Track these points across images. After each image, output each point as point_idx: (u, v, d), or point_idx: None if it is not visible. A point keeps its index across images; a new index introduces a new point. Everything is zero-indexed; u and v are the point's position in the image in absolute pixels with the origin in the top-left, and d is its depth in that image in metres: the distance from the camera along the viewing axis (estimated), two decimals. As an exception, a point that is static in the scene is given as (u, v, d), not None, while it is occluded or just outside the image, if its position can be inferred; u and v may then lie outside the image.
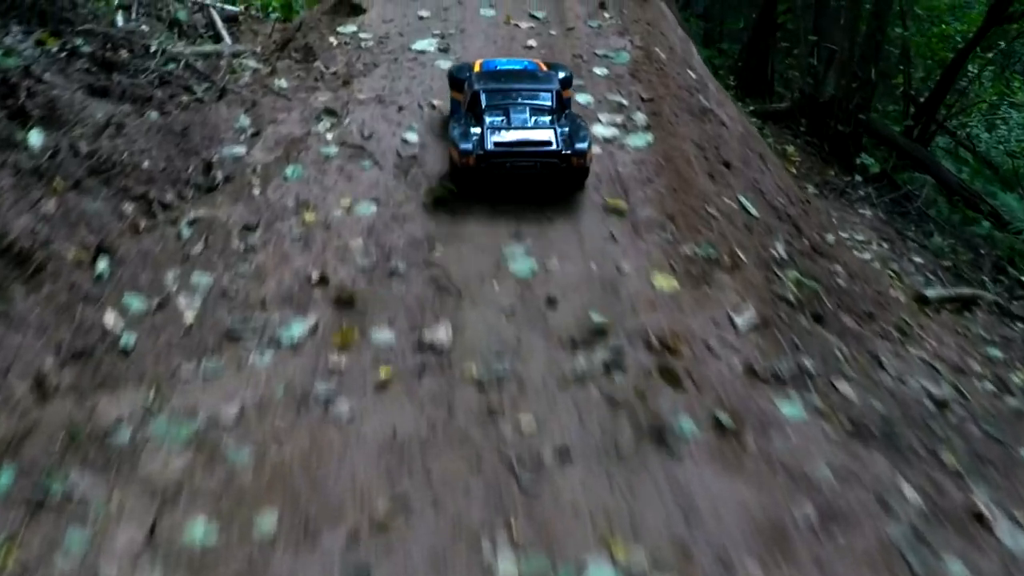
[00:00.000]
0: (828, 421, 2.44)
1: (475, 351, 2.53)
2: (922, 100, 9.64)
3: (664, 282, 2.87)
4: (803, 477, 2.20)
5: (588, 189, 3.34)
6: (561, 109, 3.37)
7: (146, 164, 3.24)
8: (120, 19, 4.55)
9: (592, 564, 1.92)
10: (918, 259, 6.65)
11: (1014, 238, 7.83)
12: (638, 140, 3.66)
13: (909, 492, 2.23)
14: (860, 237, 6.34)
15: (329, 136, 3.63)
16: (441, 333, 2.58)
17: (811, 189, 7.23)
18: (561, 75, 3.60)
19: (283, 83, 4.13)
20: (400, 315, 2.68)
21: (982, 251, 7.53)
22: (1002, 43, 10.00)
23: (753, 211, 3.59)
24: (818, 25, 9.82)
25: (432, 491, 2.09)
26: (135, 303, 2.66)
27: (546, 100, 3.34)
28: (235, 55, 4.72)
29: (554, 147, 3.16)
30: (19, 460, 2.10)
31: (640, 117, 3.84)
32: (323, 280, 2.81)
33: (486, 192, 3.25)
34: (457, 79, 3.62)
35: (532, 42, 4.55)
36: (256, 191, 3.27)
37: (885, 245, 6.53)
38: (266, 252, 2.95)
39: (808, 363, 2.69)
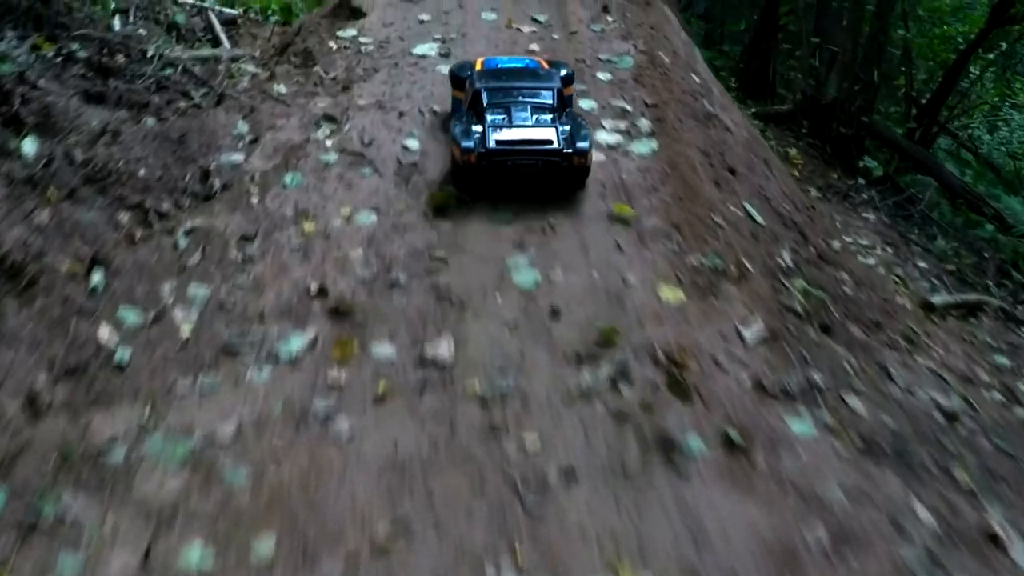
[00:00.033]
0: (839, 438, 2.39)
1: (478, 366, 2.47)
2: (924, 102, 9.59)
3: (670, 294, 2.82)
4: (814, 497, 2.15)
5: (592, 197, 3.29)
6: (562, 107, 3.36)
7: (142, 172, 3.19)
8: (117, 23, 4.49)
9: (599, 590, 1.87)
10: (922, 263, 6.60)
11: (1018, 241, 7.78)
12: (642, 147, 3.61)
13: (923, 513, 2.18)
14: (864, 242, 6.29)
15: (328, 143, 3.57)
16: (443, 347, 2.53)
17: (814, 192, 7.17)
18: (562, 72, 3.59)
19: (282, 88, 4.08)
20: (401, 328, 2.62)
21: (986, 255, 7.48)
22: (1003, 44, 9.94)
23: (759, 219, 3.54)
24: (820, 26, 9.77)
25: (434, 513, 2.03)
26: (130, 316, 2.61)
27: (547, 98, 3.34)
28: (233, 59, 4.66)
29: (555, 146, 3.15)
30: (11, 481, 2.05)
31: (644, 123, 3.79)
32: (322, 292, 2.76)
33: (487, 190, 3.22)
34: (459, 77, 3.61)
35: (534, 46, 4.49)
36: (254, 200, 3.22)
37: (889, 250, 6.48)
38: (264, 263, 2.90)
39: (817, 377, 2.64)
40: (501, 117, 3.24)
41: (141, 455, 2.16)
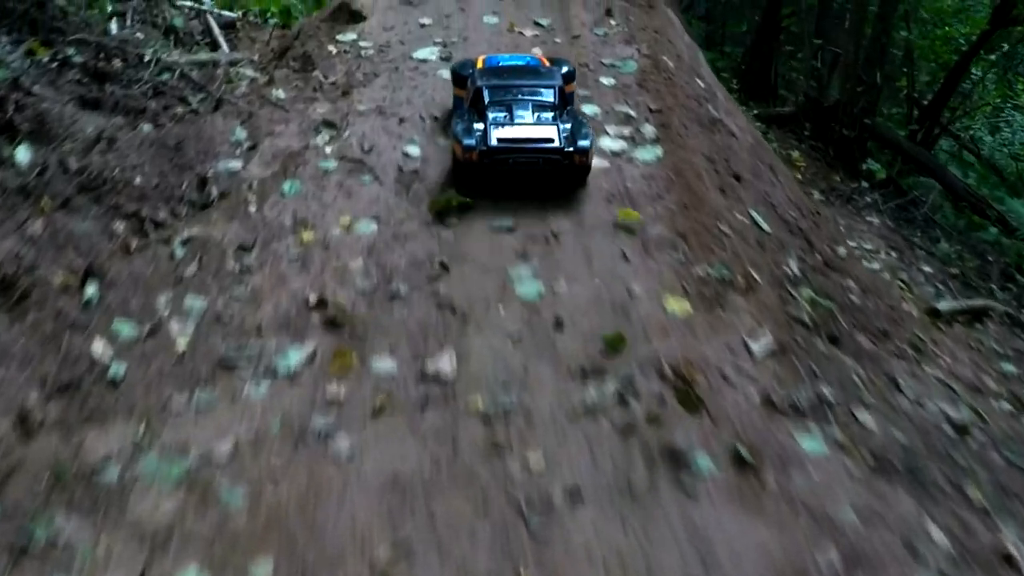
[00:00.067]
0: (850, 456, 2.33)
1: (480, 381, 2.42)
2: (926, 103, 9.55)
3: (677, 305, 2.76)
4: (826, 518, 2.09)
5: (596, 205, 3.23)
6: (563, 105, 3.36)
7: (138, 180, 3.13)
8: (114, 27, 4.44)
9: (606, 617, 1.81)
10: (927, 267, 6.55)
11: (1022, 244, 7.74)
12: (647, 154, 3.55)
13: (936, 533, 2.13)
14: (868, 246, 6.24)
15: (328, 149, 3.52)
16: (445, 362, 2.47)
17: (817, 195, 7.13)
18: (564, 70, 3.57)
19: (281, 93, 4.02)
20: (402, 342, 2.57)
21: (989, 258, 7.44)
22: (1005, 45, 9.91)
23: (765, 226, 3.49)
24: (822, 28, 9.73)
25: (436, 535, 1.98)
26: (125, 329, 2.55)
27: (548, 96, 3.34)
28: (232, 63, 4.61)
29: (557, 144, 3.14)
30: (2, 502, 1.99)
31: (649, 129, 3.73)
32: (321, 304, 2.70)
33: (488, 189, 3.19)
34: (460, 75, 3.59)
35: (537, 51, 4.43)
36: (252, 208, 3.16)
37: (893, 254, 6.43)
38: (262, 274, 2.84)
39: (827, 391, 2.58)
40: (503, 115, 3.23)
41: (135, 475, 2.10)
